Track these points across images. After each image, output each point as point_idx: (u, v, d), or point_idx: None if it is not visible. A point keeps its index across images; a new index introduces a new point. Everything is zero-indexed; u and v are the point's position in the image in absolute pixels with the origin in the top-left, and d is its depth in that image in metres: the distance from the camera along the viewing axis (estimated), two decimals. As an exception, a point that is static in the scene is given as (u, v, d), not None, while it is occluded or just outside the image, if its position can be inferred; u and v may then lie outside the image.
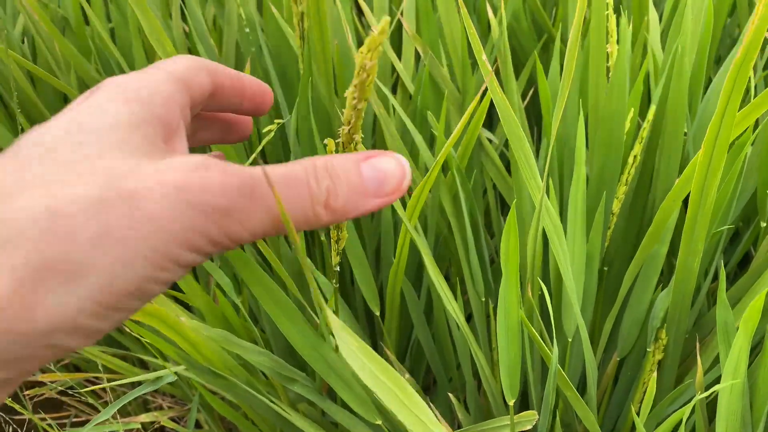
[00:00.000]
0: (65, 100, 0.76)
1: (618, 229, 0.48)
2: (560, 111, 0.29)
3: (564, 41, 0.65)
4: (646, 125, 0.41)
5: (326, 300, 0.46)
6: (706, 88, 0.50)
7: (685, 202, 0.41)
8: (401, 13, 0.53)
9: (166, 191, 0.20)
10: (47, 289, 0.18)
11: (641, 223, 0.49)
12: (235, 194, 0.20)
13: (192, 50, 0.62)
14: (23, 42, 0.86)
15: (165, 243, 0.20)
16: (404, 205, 0.46)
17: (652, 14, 0.50)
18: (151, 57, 0.65)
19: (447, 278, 0.64)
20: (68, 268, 0.19)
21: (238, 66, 0.63)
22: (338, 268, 0.39)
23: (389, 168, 0.23)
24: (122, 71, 0.69)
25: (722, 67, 0.44)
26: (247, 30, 0.54)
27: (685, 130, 0.46)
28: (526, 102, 0.63)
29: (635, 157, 0.42)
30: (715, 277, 0.50)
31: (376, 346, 0.60)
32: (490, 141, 0.65)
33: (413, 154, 0.54)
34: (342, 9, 0.49)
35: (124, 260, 0.19)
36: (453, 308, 0.39)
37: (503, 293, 0.29)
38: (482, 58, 0.32)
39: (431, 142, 0.57)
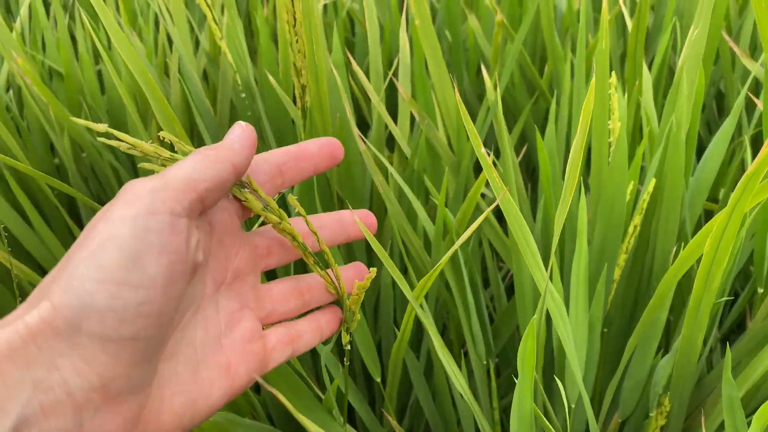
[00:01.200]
0: (52, 148, 0.76)
1: (617, 292, 0.48)
2: (567, 204, 0.30)
3: (556, 97, 0.66)
4: (646, 197, 0.42)
5: (332, 378, 0.46)
6: (698, 141, 0.51)
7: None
8: (395, 76, 0.54)
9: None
10: None
11: (639, 283, 0.49)
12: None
13: (190, 111, 0.62)
14: (8, 90, 0.85)
15: None
16: (407, 279, 0.46)
17: (645, 76, 0.51)
18: (143, 112, 0.65)
19: (442, 334, 0.64)
20: None
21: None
22: (349, 347, 0.39)
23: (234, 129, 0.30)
24: (114, 126, 0.69)
25: (716, 136, 0.45)
26: (243, 95, 0.54)
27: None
28: (520, 157, 0.63)
29: (635, 227, 0.43)
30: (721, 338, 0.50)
31: (374, 407, 0.60)
32: (483, 196, 0.66)
33: (410, 217, 0.54)
34: (338, 76, 0.49)
35: None
36: (461, 386, 0.39)
37: (519, 390, 0.29)
38: (481, 150, 0.32)
39: (426, 198, 0.57)
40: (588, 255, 0.42)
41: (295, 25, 0.41)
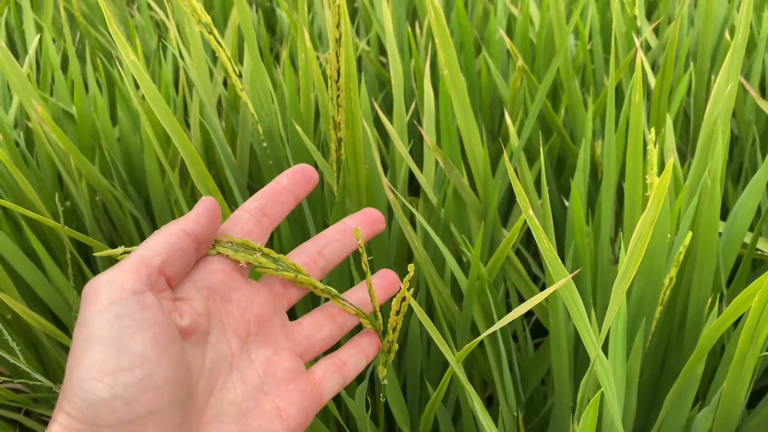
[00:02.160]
0: (61, 185, 0.74)
1: (651, 342, 0.48)
2: (626, 285, 0.29)
3: (575, 140, 0.66)
4: (682, 249, 0.42)
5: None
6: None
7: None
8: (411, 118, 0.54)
9: None
10: None
11: (670, 333, 0.49)
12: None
13: (209, 156, 0.61)
14: (15, 126, 0.84)
15: None
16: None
17: (669, 127, 0.51)
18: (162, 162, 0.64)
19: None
20: None
21: (253, 168, 0.63)
22: (386, 381, 0.39)
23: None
24: (129, 172, 0.68)
25: (749, 187, 0.45)
26: (265, 144, 0.53)
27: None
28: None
29: (671, 279, 0.43)
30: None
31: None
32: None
33: (437, 262, 0.53)
34: (367, 126, 0.49)
35: None
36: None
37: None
38: (529, 213, 0.32)
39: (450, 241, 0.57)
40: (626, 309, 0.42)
41: (338, 80, 0.41)
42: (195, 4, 0.47)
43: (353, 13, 0.98)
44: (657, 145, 0.42)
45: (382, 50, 0.89)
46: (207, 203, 0.31)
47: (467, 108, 0.49)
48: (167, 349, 0.26)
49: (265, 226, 0.34)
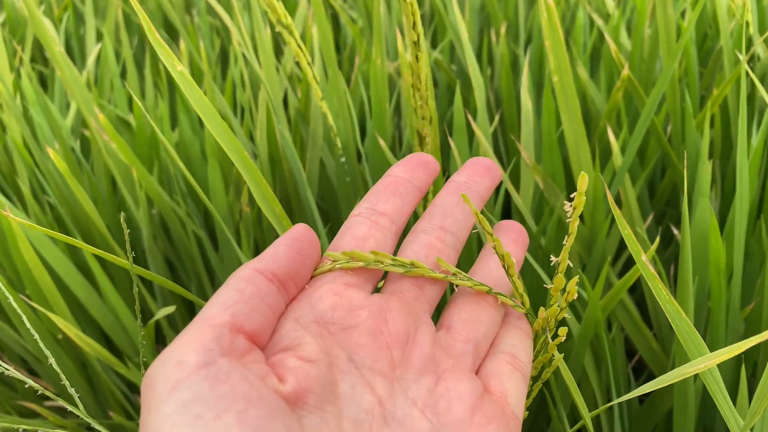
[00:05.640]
0: (122, 207, 0.71)
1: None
2: None
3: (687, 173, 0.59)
4: None
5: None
6: None
7: None
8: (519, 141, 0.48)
9: None
10: None
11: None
12: None
13: (273, 171, 0.57)
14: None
15: None
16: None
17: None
18: (227, 175, 0.60)
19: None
20: None
21: (323, 187, 0.58)
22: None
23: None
24: (187, 182, 0.64)
25: None
26: (343, 159, 0.48)
27: None
28: (646, 223, 0.57)
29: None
30: None
31: None
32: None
33: (532, 294, 0.47)
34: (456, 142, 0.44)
35: None
36: None
37: None
38: (642, 258, 0.26)
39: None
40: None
41: (420, 88, 0.36)
42: (276, 4, 0.42)
43: (423, 20, 0.93)
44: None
45: (453, 59, 0.84)
46: (294, 232, 0.24)
47: (577, 121, 0.43)
48: (266, 426, 0.19)
49: (385, 225, 0.26)
